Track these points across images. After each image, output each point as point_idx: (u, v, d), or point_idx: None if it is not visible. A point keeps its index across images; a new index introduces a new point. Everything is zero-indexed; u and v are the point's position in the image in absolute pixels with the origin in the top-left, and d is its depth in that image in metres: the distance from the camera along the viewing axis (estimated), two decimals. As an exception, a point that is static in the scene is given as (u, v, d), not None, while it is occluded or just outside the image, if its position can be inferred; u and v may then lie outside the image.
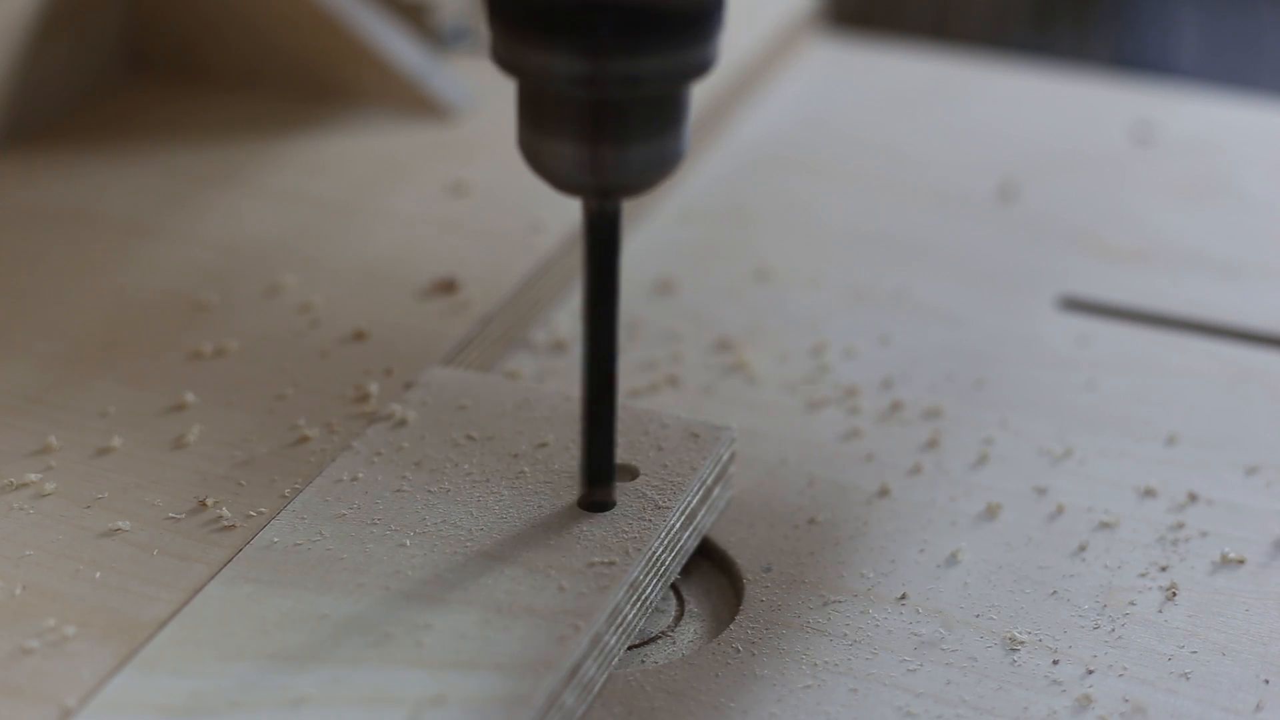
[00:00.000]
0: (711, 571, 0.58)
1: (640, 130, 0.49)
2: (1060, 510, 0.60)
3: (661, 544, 0.55)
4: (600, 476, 0.55)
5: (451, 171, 0.77)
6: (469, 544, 0.54)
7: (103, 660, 0.50)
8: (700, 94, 0.83)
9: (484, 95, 0.82)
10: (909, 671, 0.53)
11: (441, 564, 0.53)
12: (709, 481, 0.57)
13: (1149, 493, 0.61)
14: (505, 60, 0.49)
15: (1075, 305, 0.72)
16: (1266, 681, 0.54)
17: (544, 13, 0.48)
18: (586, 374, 0.54)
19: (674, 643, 0.55)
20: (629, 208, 0.72)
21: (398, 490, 0.56)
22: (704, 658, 0.54)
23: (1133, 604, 0.56)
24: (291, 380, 0.63)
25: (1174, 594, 0.57)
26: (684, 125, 0.51)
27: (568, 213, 0.71)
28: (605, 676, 0.52)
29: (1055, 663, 0.54)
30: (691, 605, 0.57)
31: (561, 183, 0.51)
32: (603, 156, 0.49)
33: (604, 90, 0.48)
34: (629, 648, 0.54)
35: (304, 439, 0.59)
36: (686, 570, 0.58)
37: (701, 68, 0.49)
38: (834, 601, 0.56)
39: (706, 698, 0.52)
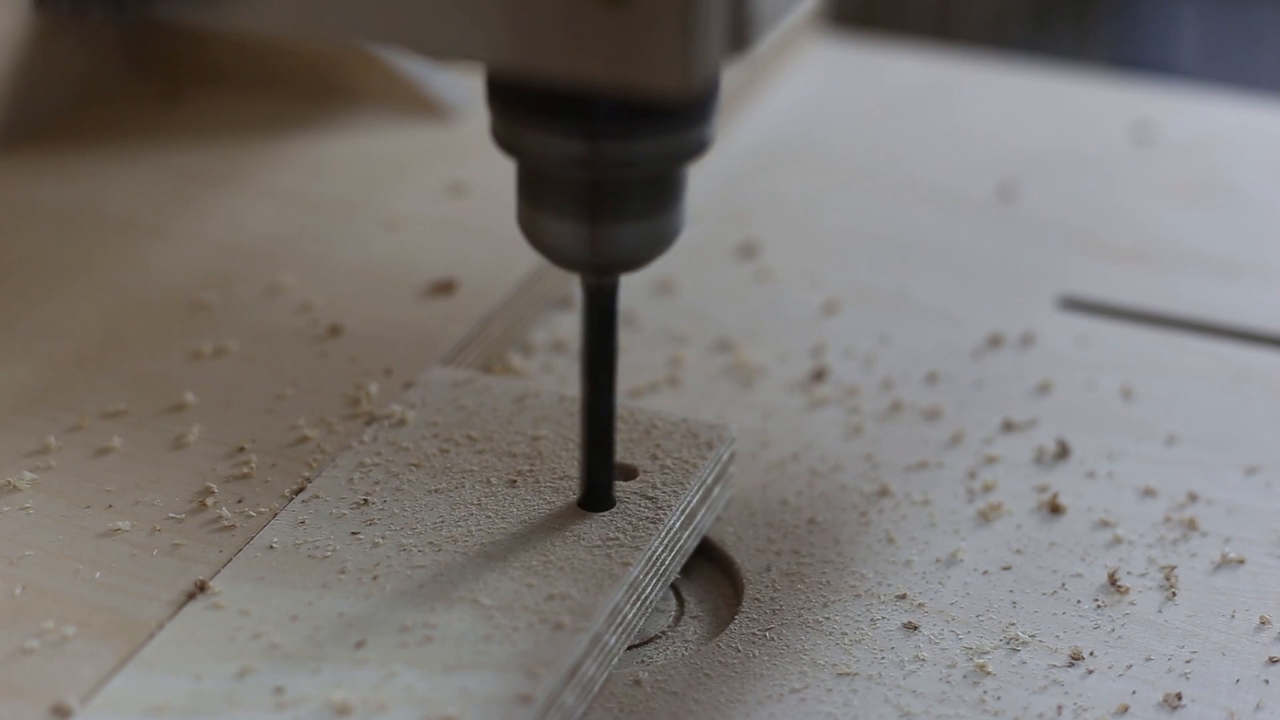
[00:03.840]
0: (711, 571, 0.58)
1: (637, 209, 0.50)
2: (1060, 510, 0.60)
3: (661, 544, 0.55)
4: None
5: (451, 171, 0.77)
6: (469, 544, 0.54)
7: (103, 660, 0.50)
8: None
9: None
10: (909, 672, 0.53)
11: (441, 564, 0.53)
12: (709, 481, 0.57)
13: (1149, 493, 0.61)
14: (504, 140, 0.50)
15: (1075, 305, 0.72)
16: (1266, 681, 0.54)
17: (542, 96, 0.48)
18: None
19: (674, 643, 0.55)
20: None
21: (397, 490, 0.56)
22: (704, 658, 0.54)
23: (1133, 604, 0.56)
24: (291, 380, 0.63)
25: (1174, 594, 0.57)
26: (680, 202, 0.51)
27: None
28: (605, 676, 0.52)
29: (1055, 663, 0.54)
30: (691, 605, 0.57)
31: (560, 259, 0.52)
32: (600, 235, 0.50)
33: (601, 171, 0.49)
34: (629, 648, 0.54)
35: (304, 439, 0.59)
36: (686, 570, 0.58)
37: (698, 149, 0.50)
38: (834, 601, 0.56)
39: (706, 698, 0.52)
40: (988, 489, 0.61)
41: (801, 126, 0.86)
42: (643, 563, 0.54)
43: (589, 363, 0.54)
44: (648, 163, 0.49)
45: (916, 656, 0.54)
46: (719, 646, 0.54)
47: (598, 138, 0.48)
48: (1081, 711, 0.52)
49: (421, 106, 0.81)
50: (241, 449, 0.59)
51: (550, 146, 0.49)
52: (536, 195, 0.51)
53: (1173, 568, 0.58)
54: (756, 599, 0.56)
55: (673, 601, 0.57)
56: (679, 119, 0.49)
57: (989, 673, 0.53)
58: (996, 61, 0.93)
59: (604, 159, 0.49)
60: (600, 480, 0.55)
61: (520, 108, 0.49)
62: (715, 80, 0.49)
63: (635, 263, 0.52)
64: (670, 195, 0.51)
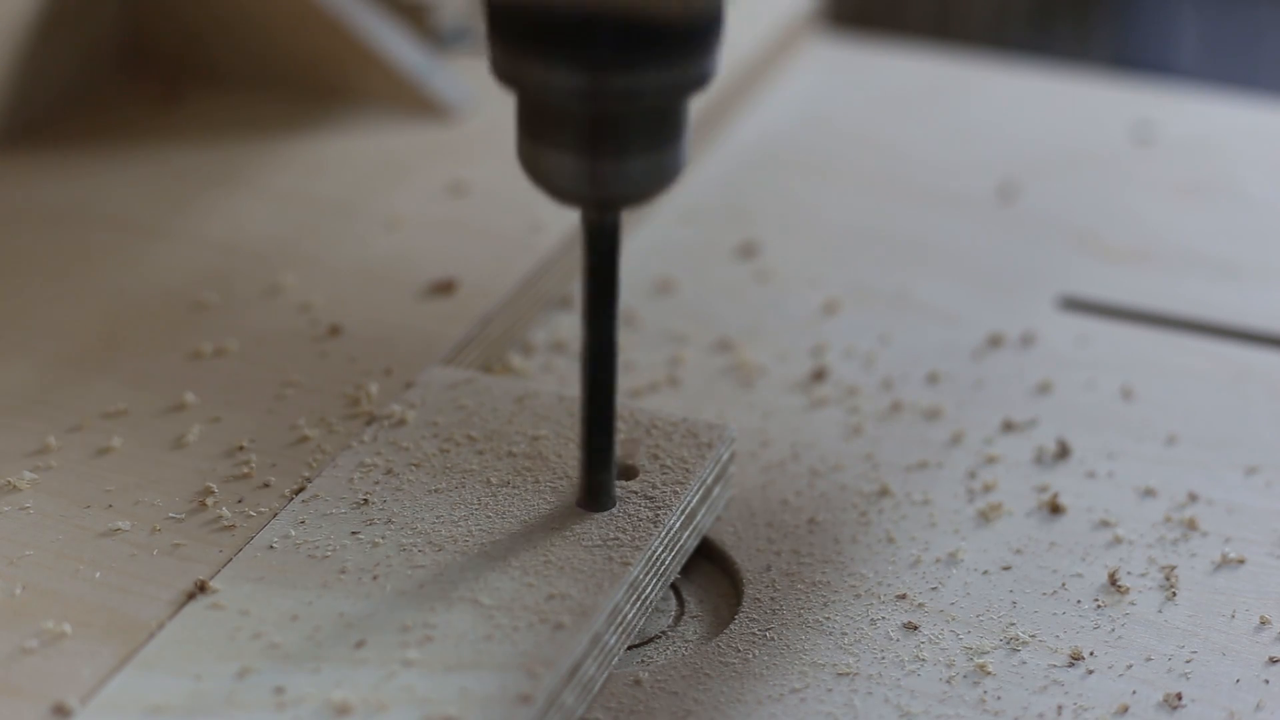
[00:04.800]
0: (711, 571, 0.58)
1: (639, 142, 0.50)
2: (1060, 510, 0.60)
3: (661, 544, 0.55)
4: (600, 488, 0.55)
5: (451, 171, 0.77)
6: (468, 544, 0.54)
7: (103, 660, 0.50)
8: (701, 94, 0.83)
9: (484, 95, 0.82)
10: (909, 672, 0.53)
11: (441, 564, 0.53)
12: (709, 481, 0.57)
13: (1149, 493, 0.61)
14: (504, 72, 0.49)
15: (1075, 305, 0.72)
16: (1266, 681, 0.54)
17: (543, 26, 0.48)
18: (585, 384, 0.54)
19: (674, 643, 0.55)
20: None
21: (397, 489, 0.56)
22: (704, 658, 0.54)
23: (1133, 604, 0.56)
24: (291, 380, 0.63)
25: (1174, 594, 0.57)
26: (683, 137, 0.51)
27: (568, 213, 0.71)
28: (605, 676, 0.52)
29: (1055, 663, 0.54)
30: (691, 605, 0.57)
31: (560, 194, 0.51)
32: (602, 168, 0.50)
33: (603, 104, 0.48)
34: (629, 648, 0.54)
35: (304, 439, 0.59)
36: (686, 570, 0.58)
37: (701, 81, 0.49)
38: (834, 601, 0.56)
39: (706, 698, 0.52)
40: (988, 489, 0.61)
41: (801, 126, 0.86)
42: (643, 562, 0.54)
43: (589, 313, 0.52)
44: (650, 95, 0.48)
45: (916, 656, 0.54)
46: (719, 646, 0.54)
47: (600, 69, 0.48)
48: (1082, 711, 0.52)
49: (421, 106, 0.81)
50: (241, 449, 0.59)
51: (552, 78, 0.48)
52: (537, 128, 0.50)
53: (1173, 568, 0.58)
54: (756, 599, 0.56)
55: (673, 601, 0.57)
56: (682, 50, 0.48)
57: (989, 673, 0.53)
58: (996, 61, 0.93)
59: (606, 91, 0.48)
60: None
61: (521, 38, 0.48)
62: (718, 9, 0.49)
63: (637, 198, 0.51)
64: (673, 129, 0.50)
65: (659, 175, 0.50)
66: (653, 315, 0.70)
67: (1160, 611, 0.56)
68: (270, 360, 0.64)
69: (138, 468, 0.58)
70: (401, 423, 0.59)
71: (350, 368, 0.63)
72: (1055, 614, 0.56)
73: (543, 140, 0.50)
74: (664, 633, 0.56)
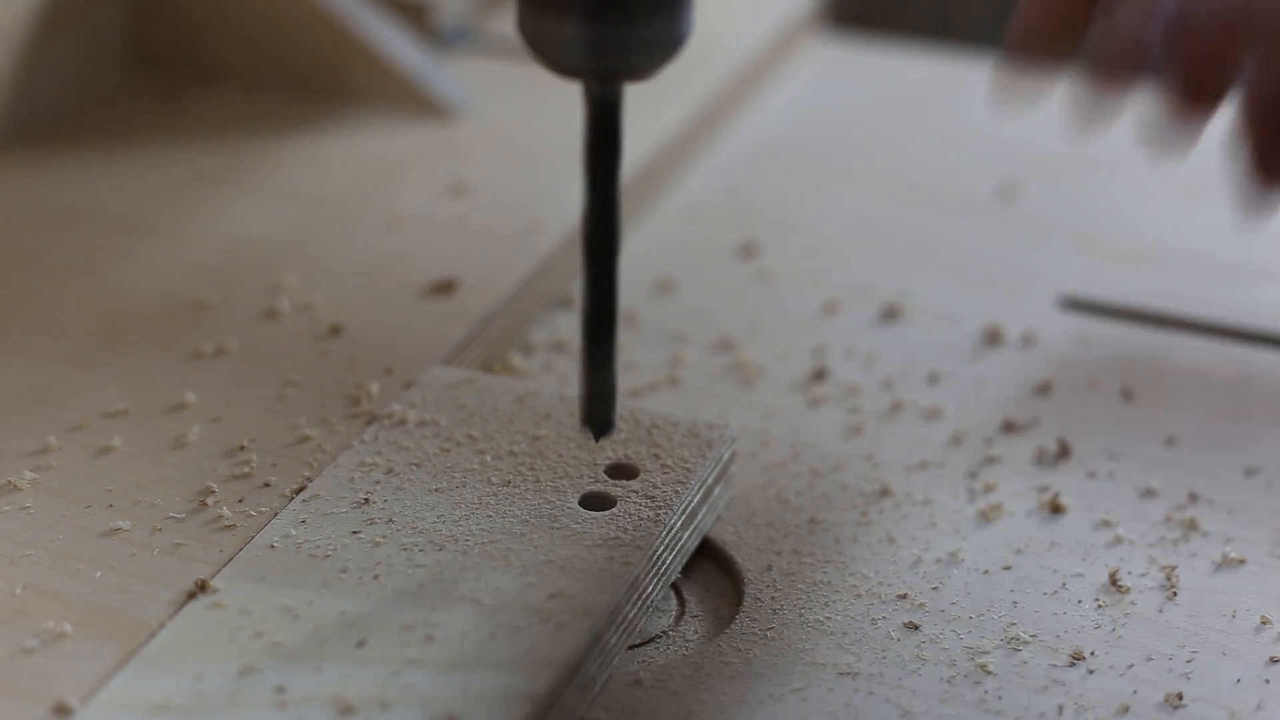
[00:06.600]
0: (712, 571, 0.58)
1: (642, 8, 0.49)
2: (1061, 510, 0.60)
3: (662, 543, 0.55)
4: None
5: (451, 171, 0.77)
6: (470, 543, 0.54)
7: (103, 660, 0.50)
8: (700, 93, 0.83)
9: (484, 95, 0.82)
10: (910, 672, 0.53)
11: (442, 564, 0.53)
12: (709, 481, 0.57)
13: (1149, 493, 0.61)
14: None
15: (1075, 305, 0.72)
16: (1267, 681, 0.54)
17: None
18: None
19: (674, 642, 0.55)
20: (630, 206, 0.72)
21: (398, 489, 0.56)
22: (704, 658, 0.54)
23: (1133, 604, 0.56)
24: (291, 380, 0.63)
25: (1174, 594, 0.57)
26: (686, 5, 0.50)
27: (568, 213, 0.71)
28: (605, 676, 0.52)
29: (1056, 663, 0.54)
30: (692, 605, 0.57)
31: (562, 66, 0.50)
32: (605, 36, 0.49)
33: None
34: (629, 647, 0.54)
35: (304, 438, 0.59)
36: (687, 569, 0.58)
37: None
38: (835, 601, 0.56)
39: (706, 698, 0.52)
40: (988, 489, 0.61)
41: (801, 126, 0.86)
42: (644, 562, 0.54)
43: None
44: None
45: (917, 656, 0.54)
46: (719, 646, 0.54)
47: None
48: (1082, 711, 0.52)
49: (421, 106, 0.81)
50: (242, 448, 0.59)
51: None
52: None
53: (1173, 568, 0.58)
54: (757, 599, 0.56)
55: (673, 601, 0.57)
56: None
57: (990, 672, 0.53)
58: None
59: None
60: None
61: None
62: None
63: (639, 69, 0.50)
64: None
65: (661, 44, 0.50)
66: (653, 315, 0.70)
67: (1161, 611, 0.56)
68: (270, 360, 0.64)
69: (138, 467, 0.58)
70: (402, 422, 0.59)
71: (350, 367, 0.63)
72: (1056, 614, 0.56)
73: (545, 8, 0.49)
74: (665, 632, 0.56)
